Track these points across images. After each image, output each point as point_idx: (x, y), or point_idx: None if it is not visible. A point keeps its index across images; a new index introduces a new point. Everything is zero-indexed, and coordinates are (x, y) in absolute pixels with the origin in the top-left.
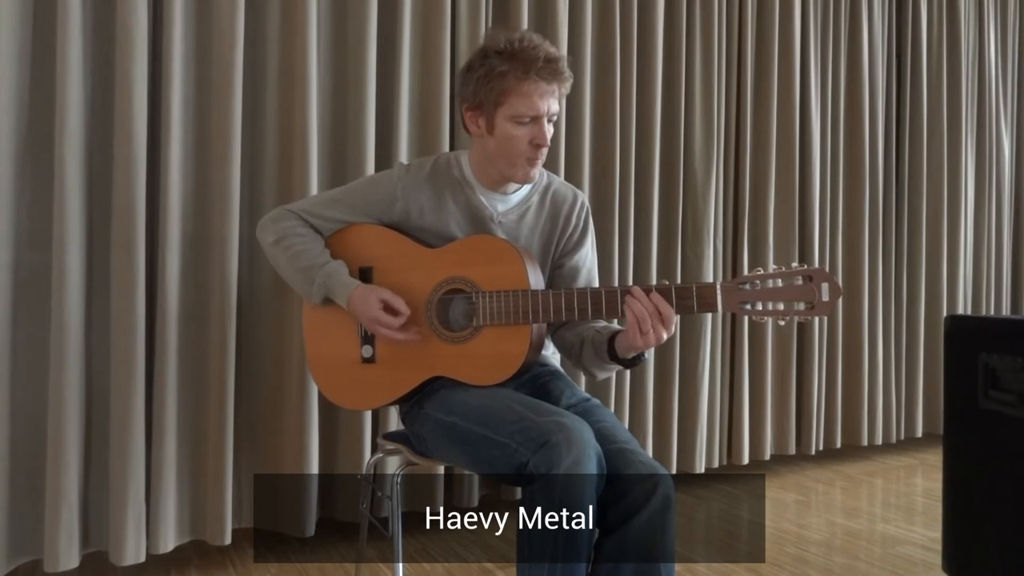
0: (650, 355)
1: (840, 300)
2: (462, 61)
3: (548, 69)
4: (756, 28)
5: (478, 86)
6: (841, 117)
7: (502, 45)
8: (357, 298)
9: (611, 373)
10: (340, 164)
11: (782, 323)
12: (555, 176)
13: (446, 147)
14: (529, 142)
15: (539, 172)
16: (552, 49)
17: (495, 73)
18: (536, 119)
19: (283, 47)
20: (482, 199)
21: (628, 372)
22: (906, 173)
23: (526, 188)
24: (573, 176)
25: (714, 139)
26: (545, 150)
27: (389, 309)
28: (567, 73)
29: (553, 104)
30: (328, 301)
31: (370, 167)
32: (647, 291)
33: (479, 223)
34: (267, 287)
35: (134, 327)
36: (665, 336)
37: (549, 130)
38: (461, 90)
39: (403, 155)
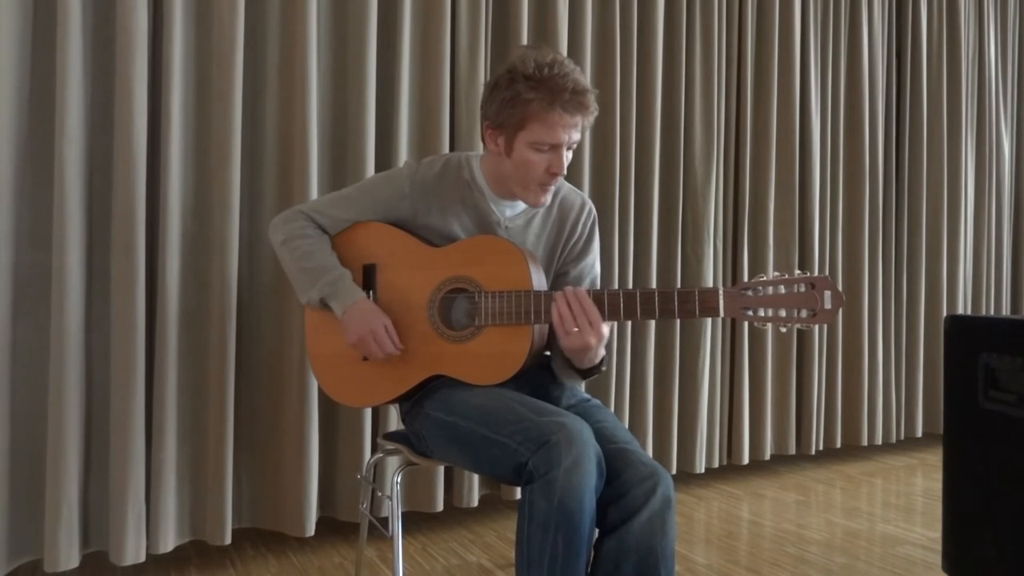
0: (605, 366)
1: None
2: (462, 61)
3: (574, 102)
4: (756, 28)
5: (502, 107)
6: (841, 117)
7: (531, 70)
8: (363, 309)
9: (575, 381)
10: (340, 164)
11: (783, 329)
12: (564, 182)
13: (446, 147)
14: (545, 169)
15: (550, 197)
16: (581, 80)
17: (520, 99)
18: (555, 147)
19: (283, 47)
20: (491, 205)
21: (628, 372)
22: (906, 173)
23: None
24: (573, 176)
25: (714, 139)
26: (560, 178)
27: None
28: (593, 107)
29: (575, 134)
30: (323, 306)
31: (370, 167)
32: (589, 293)
33: (486, 227)
34: (267, 287)
35: (134, 327)
36: (592, 340)
37: (568, 157)
38: (484, 106)
39: (403, 155)
